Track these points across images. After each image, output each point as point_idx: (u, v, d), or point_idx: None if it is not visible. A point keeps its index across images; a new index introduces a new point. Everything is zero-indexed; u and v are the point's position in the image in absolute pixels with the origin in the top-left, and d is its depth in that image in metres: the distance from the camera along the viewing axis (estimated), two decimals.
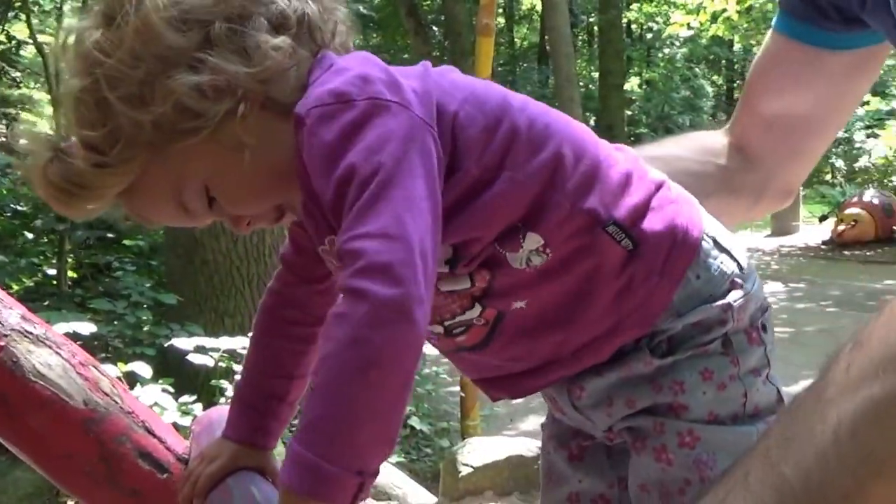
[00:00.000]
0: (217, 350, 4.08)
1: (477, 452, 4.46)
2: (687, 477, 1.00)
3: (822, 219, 15.58)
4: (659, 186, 1.07)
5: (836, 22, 1.02)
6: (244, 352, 4.26)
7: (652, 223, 1.02)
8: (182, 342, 4.18)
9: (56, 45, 0.99)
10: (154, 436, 1.09)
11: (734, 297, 1.03)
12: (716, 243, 1.06)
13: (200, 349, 4.11)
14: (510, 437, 5.04)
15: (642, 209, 1.03)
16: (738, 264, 1.06)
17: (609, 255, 1.00)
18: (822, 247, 14.85)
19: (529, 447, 4.52)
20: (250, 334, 1.16)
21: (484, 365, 1.10)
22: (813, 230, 16.05)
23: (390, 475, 4.59)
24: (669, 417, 1.02)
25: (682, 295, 1.02)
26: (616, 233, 1.00)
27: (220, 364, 4.12)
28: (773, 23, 1.10)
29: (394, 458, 5.12)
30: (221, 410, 1.22)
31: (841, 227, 13.91)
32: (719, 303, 1.02)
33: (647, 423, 1.04)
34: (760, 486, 0.57)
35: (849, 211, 13.84)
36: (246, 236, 5.02)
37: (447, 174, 0.94)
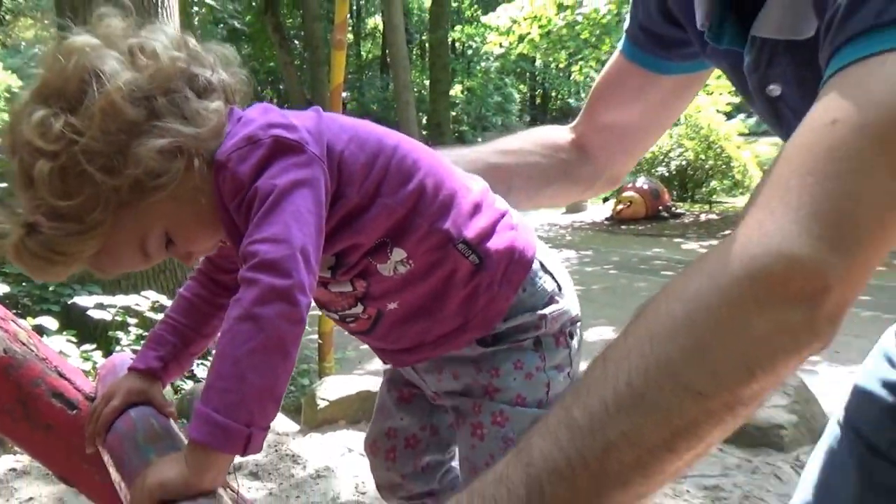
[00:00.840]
0: (114, 307, 4.06)
1: (332, 389, 4.46)
2: (493, 452, 1.05)
3: (605, 200, 16.14)
4: (503, 215, 1.10)
5: (674, 54, 1.03)
6: (138, 308, 4.15)
7: (495, 244, 1.06)
8: (83, 300, 4.14)
9: (7, 131, 0.92)
10: (65, 378, 1.05)
11: (550, 309, 1.08)
12: (542, 266, 1.10)
13: (99, 306, 4.11)
14: (359, 375, 5.07)
15: (488, 232, 1.06)
16: (558, 285, 1.11)
17: (459, 267, 1.05)
18: (605, 222, 15.36)
19: (375, 384, 4.54)
20: (182, 289, 1.18)
21: (371, 342, 1.15)
22: (598, 209, 16.61)
23: None
24: (485, 399, 1.07)
25: (512, 304, 1.06)
26: (465, 250, 1.04)
27: (117, 318, 4.06)
28: (619, 45, 1.10)
29: None
30: (123, 356, 1.19)
31: (619, 207, 14.46)
32: (538, 312, 1.07)
33: (466, 404, 1.09)
34: (556, 425, 0.57)
35: (625, 194, 14.41)
36: None
37: (333, 199, 0.96)
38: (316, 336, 5.74)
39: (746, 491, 3.28)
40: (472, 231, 1.05)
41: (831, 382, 5.28)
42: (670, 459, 0.56)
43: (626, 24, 1.08)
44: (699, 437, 0.56)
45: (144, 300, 4.14)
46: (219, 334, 0.86)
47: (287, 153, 0.91)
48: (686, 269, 0.61)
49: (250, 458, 3.97)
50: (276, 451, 4.06)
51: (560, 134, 1.19)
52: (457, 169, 1.10)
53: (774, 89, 0.77)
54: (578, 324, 1.14)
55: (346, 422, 4.35)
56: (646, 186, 14.50)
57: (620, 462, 0.55)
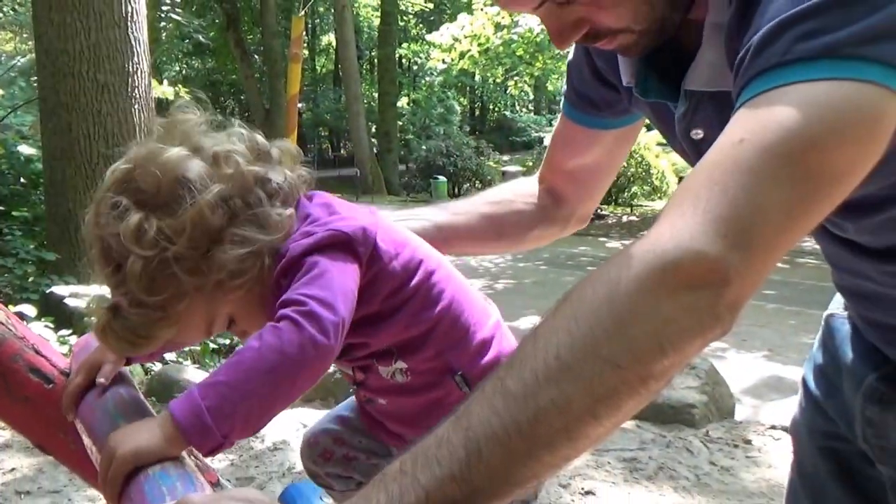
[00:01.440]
0: (88, 295, 3.97)
1: None
2: None
3: None
4: (499, 358, 1.05)
5: (607, 112, 1.06)
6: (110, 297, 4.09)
7: None
8: (61, 289, 4.10)
9: (93, 222, 0.91)
10: (41, 355, 1.02)
11: None
12: None
13: (76, 295, 4.06)
14: None
15: (488, 368, 1.02)
16: None
17: (451, 394, 1.02)
18: None
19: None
20: None
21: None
22: None
23: None
24: None
25: None
26: (460, 382, 1.02)
27: (91, 306, 3.97)
28: (562, 107, 1.14)
29: None
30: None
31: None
32: None
33: None
34: (492, 393, 0.59)
35: None
36: None
37: (360, 299, 0.93)
38: None
39: (661, 463, 3.35)
40: (472, 368, 1.03)
41: (738, 366, 5.44)
42: (593, 425, 0.59)
43: (563, 89, 1.12)
44: (618, 405, 0.59)
45: None
46: (249, 341, 0.84)
47: (338, 247, 0.91)
48: (609, 259, 0.64)
49: None
50: None
51: (533, 184, 1.23)
52: (477, 298, 1.08)
53: (698, 133, 0.82)
54: None
55: (300, 400, 4.30)
56: None
57: (549, 427, 0.57)
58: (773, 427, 3.75)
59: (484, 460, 0.57)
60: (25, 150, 5.90)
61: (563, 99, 1.12)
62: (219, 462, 3.42)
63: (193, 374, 4.41)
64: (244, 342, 0.86)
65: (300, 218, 0.97)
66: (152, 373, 4.36)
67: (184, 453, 0.79)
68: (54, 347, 1.12)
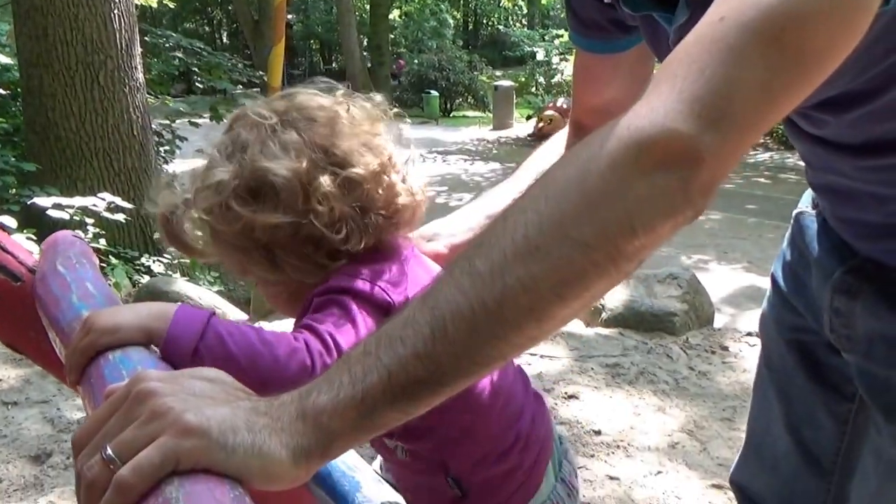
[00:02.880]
0: (72, 207, 3.90)
1: None
2: None
3: (529, 118, 16.15)
4: (514, 469, 0.95)
5: (616, 32, 1.01)
6: (95, 209, 4.01)
7: (486, 491, 0.94)
8: (42, 201, 4.02)
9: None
10: (8, 253, 0.99)
11: None
12: None
13: (57, 206, 3.96)
14: None
15: (487, 482, 0.94)
16: None
17: (443, 489, 0.95)
18: (528, 138, 15.27)
19: None
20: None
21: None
22: (523, 127, 16.59)
23: (213, 298, 4.47)
24: None
25: None
26: (452, 483, 0.94)
27: (75, 218, 3.92)
28: (573, 42, 1.08)
29: (215, 288, 4.99)
30: (66, 233, 1.13)
31: (541, 125, 14.43)
32: None
33: None
34: (459, 274, 0.58)
35: (546, 113, 14.40)
36: (90, 115, 4.61)
37: None
38: None
39: (642, 368, 3.41)
40: (469, 476, 0.94)
41: (719, 277, 5.51)
42: (560, 305, 0.57)
43: (569, 23, 1.06)
44: (586, 285, 0.57)
45: (101, 201, 4.01)
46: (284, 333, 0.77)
47: (379, 310, 0.81)
48: (584, 139, 0.61)
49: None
50: None
51: (566, 137, 1.19)
52: (507, 407, 0.95)
53: None
54: None
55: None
56: (565, 106, 14.44)
57: (516, 306, 0.56)
58: (749, 334, 3.80)
59: (449, 338, 0.56)
60: (2, 59, 5.71)
61: (571, 34, 1.07)
62: None
63: (182, 287, 4.41)
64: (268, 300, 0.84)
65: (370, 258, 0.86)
66: (140, 284, 4.36)
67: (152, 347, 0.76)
68: (36, 257, 1.08)
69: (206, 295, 4.48)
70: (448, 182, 10.50)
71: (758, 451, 1.17)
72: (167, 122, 6.26)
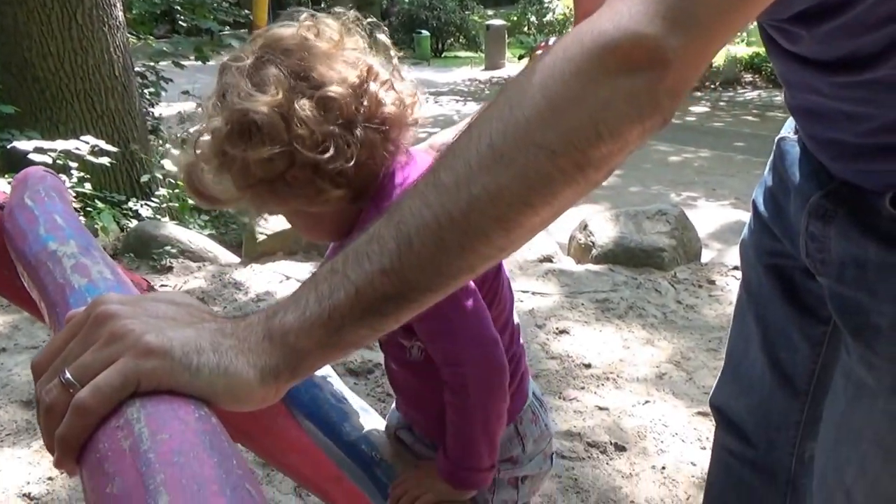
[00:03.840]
0: (54, 150, 3.79)
1: (270, 223, 4.37)
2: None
3: (521, 58, 15.88)
4: (514, 372, 0.99)
5: None
6: (78, 152, 3.93)
7: None
8: (23, 145, 3.87)
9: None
10: None
11: (506, 466, 1.03)
12: (516, 430, 1.03)
13: (39, 150, 3.83)
14: None
15: None
16: (523, 448, 1.04)
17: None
18: None
19: None
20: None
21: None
22: (515, 66, 16.33)
23: (205, 242, 4.44)
24: None
25: None
26: None
27: (58, 162, 3.83)
28: None
29: (206, 232, 4.95)
30: (38, 169, 1.10)
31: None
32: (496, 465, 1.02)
33: None
34: (425, 187, 0.57)
35: (539, 52, 14.02)
36: (69, 55, 4.47)
37: None
38: None
39: (631, 302, 3.42)
40: None
41: (707, 213, 5.51)
42: (527, 214, 0.56)
43: None
44: (554, 193, 0.56)
45: (84, 144, 3.92)
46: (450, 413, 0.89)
47: None
48: (548, 48, 0.60)
49: (195, 285, 3.94)
50: (220, 280, 4.02)
51: None
52: (503, 313, 1.00)
53: None
54: (535, 476, 1.10)
55: (283, 253, 4.30)
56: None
57: (482, 216, 0.55)
58: (735, 268, 3.81)
59: (415, 251, 0.54)
60: None
61: None
62: None
63: (172, 231, 4.37)
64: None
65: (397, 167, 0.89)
66: (128, 229, 4.31)
67: (118, 269, 0.75)
68: None
69: (196, 238, 4.45)
70: (440, 123, 10.20)
71: (736, 374, 1.19)
72: (151, 63, 6.10)
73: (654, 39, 0.53)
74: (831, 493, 0.96)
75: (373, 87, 0.84)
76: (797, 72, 0.84)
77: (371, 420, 1.10)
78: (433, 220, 0.55)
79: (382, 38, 0.89)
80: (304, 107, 0.80)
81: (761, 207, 1.10)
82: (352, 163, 0.81)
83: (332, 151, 0.80)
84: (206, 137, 0.83)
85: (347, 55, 0.85)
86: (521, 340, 1.04)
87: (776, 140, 1.08)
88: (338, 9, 0.89)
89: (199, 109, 0.87)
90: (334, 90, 0.81)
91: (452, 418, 0.87)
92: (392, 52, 0.89)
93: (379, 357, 3.14)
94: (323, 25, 0.86)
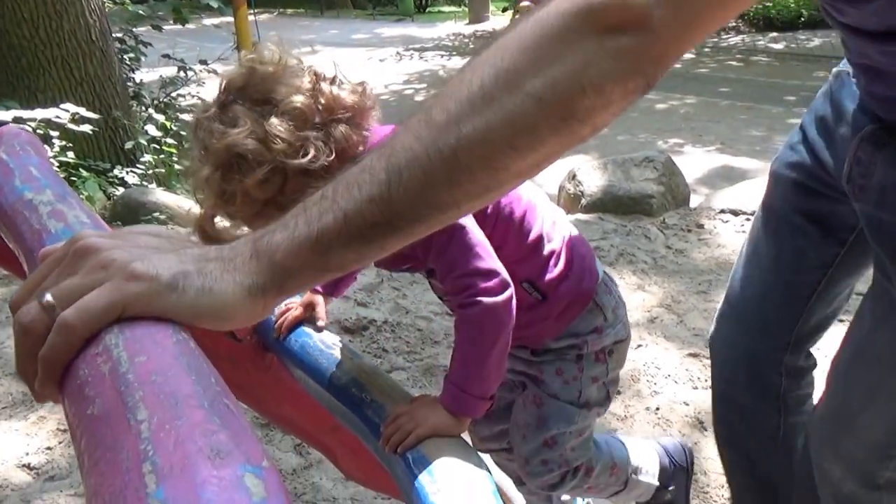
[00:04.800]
0: (34, 119, 3.72)
1: None
2: (528, 422, 1.17)
3: (505, 11, 15.72)
4: (576, 260, 1.11)
5: None
6: (59, 120, 3.86)
7: (560, 288, 1.09)
8: (1, 115, 3.71)
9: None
10: None
11: (593, 336, 1.13)
12: (595, 303, 1.13)
13: (18, 120, 3.71)
14: None
15: (556, 278, 1.09)
16: (605, 317, 1.14)
17: (522, 298, 1.05)
18: None
19: None
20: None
21: None
22: (499, 19, 16.15)
23: (194, 206, 4.41)
24: (531, 383, 1.18)
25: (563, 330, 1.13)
26: (529, 288, 1.08)
27: (38, 131, 3.75)
28: None
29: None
30: (13, 127, 1.08)
31: (517, 17, 14.03)
32: (582, 337, 1.13)
33: (518, 382, 1.21)
34: (417, 123, 0.59)
35: (523, 4, 13.82)
36: (44, 21, 4.36)
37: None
38: None
39: (621, 249, 3.43)
40: (540, 277, 1.08)
41: (693, 159, 5.51)
42: (513, 157, 0.58)
43: None
44: (539, 139, 0.58)
45: (64, 112, 3.85)
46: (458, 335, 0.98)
47: None
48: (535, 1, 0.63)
49: None
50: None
51: None
52: (547, 212, 1.11)
53: None
54: (623, 343, 1.20)
55: None
56: None
57: (470, 153, 0.57)
58: (723, 211, 3.83)
59: (404, 183, 0.57)
60: None
61: None
62: None
63: (161, 197, 4.33)
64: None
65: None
66: (115, 197, 4.27)
67: (96, 216, 0.74)
68: None
69: (186, 203, 4.42)
70: (426, 79, 10.27)
71: (736, 305, 1.27)
72: (128, 27, 5.98)
73: (640, 7, 0.55)
74: (836, 412, 1.04)
75: (324, 86, 0.92)
76: (851, 38, 0.87)
77: (361, 364, 1.11)
78: (423, 154, 0.57)
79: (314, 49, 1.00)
80: (273, 124, 0.87)
81: (810, 131, 1.15)
82: (333, 156, 0.89)
83: (312, 152, 0.88)
84: (199, 185, 0.90)
85: (291, 69, 0.93)
86: (570, 231, 1.14)
87: (835, 71, 1.12)
88: (267, 41, 0.98)
89: (190, 176, 0.94)
90: (294, 100, 0.89)
91: (463, 345, 0.94)
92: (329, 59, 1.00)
93: (373, 314, 3.16)
94: (262, 53, 0.94)
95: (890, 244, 0.92)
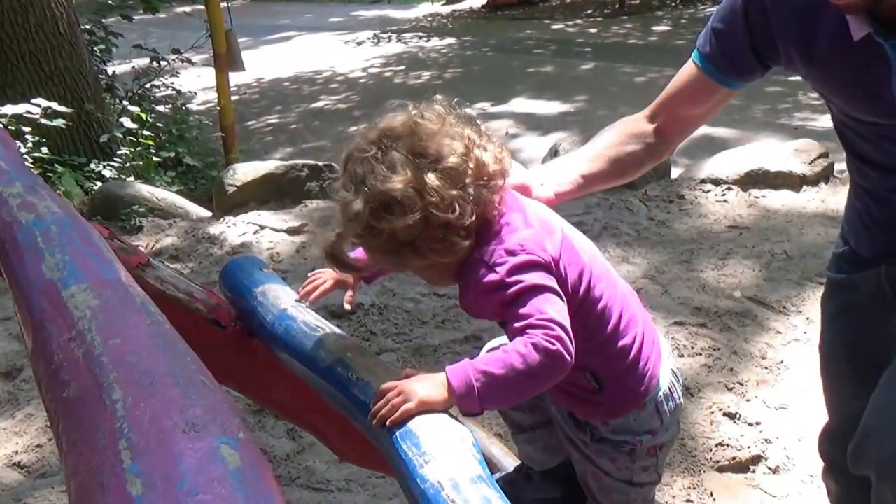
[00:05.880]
0: (5, 116, 3.66)
1: (239, 175, 4.31)
2: (593, 487, 1.24)
3: None
4: (643, 361, 1.14)
5: (741, 76, 1.25)
6: (30, 115, 3.79)
7: (619, 382, 1.13)
8: None
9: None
10: None
11: (647, 438, 1.16)
12: (655, 407, 1.16)
13: None
14: (263, 161, 4.88)
15: (620, 373, 1.12)
16: (662, 421, 1.17)
17: (582, 383, 1.12)
18: (483, 10, 14.93)
19: (278, 166, 4.42)
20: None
21: None
22: None
23: (174, 198, 4.38)
24: (589, 463, 1.22)
25: (618, 423, 1.15)
26: (590, 377, 1.11)
27: (10, 127, 3.69)
28: (693, 58, 1.28)
29: (174, 188, 4.88)
30: None
31: None
32: (637, 438, 1.16)
33: (574, 449, 1.23)
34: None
35: None
36: (8, 15, 4.28)
37: None
38: (220, 133, 5.54)
39: (605, 223, 3.45)
40: (605, 370, 1.12)
41: None
42: None
43: (703, 45, 1.26)
44: None
45: (36, 107, 3.80)
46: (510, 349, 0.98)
47: (538, 267, 1.01)
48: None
49: (168, 242, 3.91)
50: (193, 235, 3.99)
51: (639, 124, 1.36)
52: (629, 303, 1.15)
53: None
54: (672, 441, 1.24)
55: (255, 203, 4.25)
56: None
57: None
58: (704, 181, 3.85)
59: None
60: None
61: (701, 58, 1.26)
62: (180, 268, 3.43)
63: (139, 189, 4.29)
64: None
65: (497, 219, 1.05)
66: (92, 191, 4.22)
67: (69, 205, 0.74)
68: None
69: (165, 195, 4.39)
70: (405, 61, 10.20)
71: (840, 427, 1.39)
72: (96, 17, 5.89)
73: None
74: None
75: (476, 152, 1.01)
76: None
77: (346, 344, 1.11)
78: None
79: (468, 111, 1.08)
80: (431, 179, 0.97)
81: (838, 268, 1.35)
82: (473, 217, 0.99)
83: (459, 210, 0.97)
84: (351, 217, 0.99)
85: (450, 130, 1.02)
86: (643, 328, 1.16)
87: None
88: (435, 97, 1.08)
89: (334, 201, 1.04)
90: (451, 161, 0.99)
91: (509, 353, 0.97)
92: (478, 122, 1.07)
93: (361, 297, 3.16)
94: (427, 111, 1.04)
95: None
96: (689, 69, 1.30)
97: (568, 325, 0.97)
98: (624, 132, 1.36)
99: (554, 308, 0.97)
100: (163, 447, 0.32)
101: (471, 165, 1.00)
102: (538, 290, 0.98)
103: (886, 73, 1.06)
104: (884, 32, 1.04)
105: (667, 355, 1.20)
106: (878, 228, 1.26)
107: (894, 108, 1.08)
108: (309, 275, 1.29)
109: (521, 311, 0.97)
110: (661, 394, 1.16)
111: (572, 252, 1.07)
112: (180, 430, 0.33)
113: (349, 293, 1.28)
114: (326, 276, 1.27)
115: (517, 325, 0.97)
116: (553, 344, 0.94)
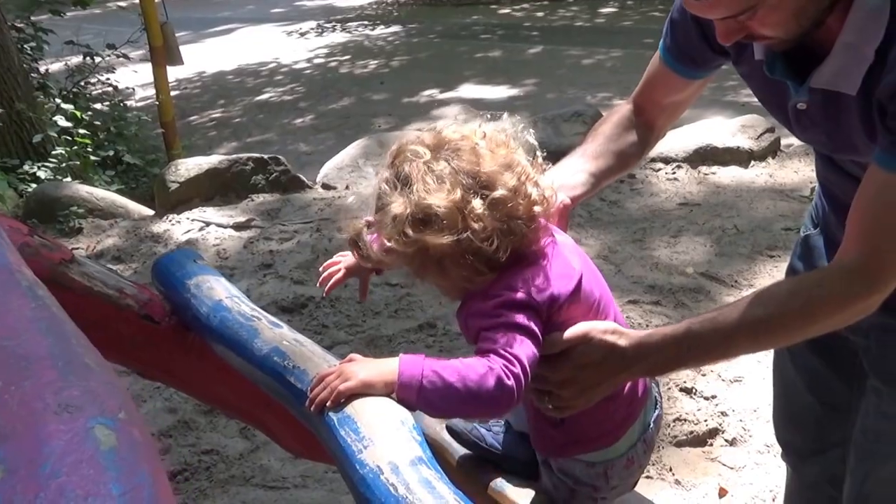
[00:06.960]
0: None
1: (181, 171, 4.22)
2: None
3: None
4: (610, 415, 1.11)
5: (703, 67, 1.27)
6: None
7: (577, 427, 1.10)
8: None
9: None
10: None
11: (586, 490, 1.15)
12: (605, 470, 1.13)
13: None
14: (207, 156, 4.78)
15: (578, 416, 1.07)
16: (607, 482, 1.14)
17: (545, 414, 1.09)
18: None
19: (222, 160, 4.33)
20: None
21: None
22: None
23: (114, 198, 4.27)
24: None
25: (564, 463, 1.14)
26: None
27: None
28: (658, 49, 1.29)
29: (114, 188, 4.76)
30: None
31: None
32: (579, 485, 1.14)
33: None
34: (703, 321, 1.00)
35: None
36: None
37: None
38: (160, 129, 5.42)
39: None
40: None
41: None
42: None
43: (664, 36, 1.28)
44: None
45: None
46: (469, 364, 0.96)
47: (531, 310, 1.00)
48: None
49: (110, 243, 3.81)
50: (136, 235, 3.90)
51: (627, 115, 1.37)
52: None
53: (802, 105, 1.06)
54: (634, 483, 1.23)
55: (199, 199, 4.16)
56: None
57: (738, 347, 1.02)
58: (654, 160, 3.89)
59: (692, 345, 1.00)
60: None
61: (663, 49, 1.29)
62: (123, 272, 3.35)
63: (77, 189, 4.17)
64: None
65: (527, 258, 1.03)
66: (27, 193, 4.09)
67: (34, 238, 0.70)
68: None
69: (104, 195, 4.28)
70: (350, 50, 10.11)
71: (785, 410, 1.51)
72: (24, 14, 5.70)
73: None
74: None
75: (528, 188, 0.98)
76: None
77: (282, 333, 1.08)
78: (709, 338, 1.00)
79: (531, 139, 1.04)
80: (478, 206, 0.95)
81: None
82: (508, 252, 0.97)
83: (495, 244, 0.95)
84: (388, 218, 0.96)
85: (508, 157, 0.99)
86: (632, 392, 1.13)
87: (802, 237, 1.36)
88: (503, 117, 1.05)
89: (373, 188, 1.01)
90: (501, 193, 0.96)
91: (463, 365, 0.95)
92: (537, 153, 1.03)
93: (311, 291, 3.12)
94: (491, 130, 1.01)
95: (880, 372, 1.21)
96: (656, 60, 1.33)
97: (529, 371, 0.95)
98: (619, 124, 1.37)
99: (524, 350, 0.95)
100: (30, 430, 0.30)
101: (520, 201, 0.98)
102: (517, 328, 0.97)
103: (789, 94, 1.10)
104: (771, 65, 1.08)
105: (651, 406, 1.17)
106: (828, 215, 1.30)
107: (792, 129, 1.13)
108: (321, 268, 1.26)
109: (493, 338, 0.96)
110: (615, 458, 1.13)
111: (581, 296, 1.05)
112: (51, 412, 0.31)
113: (362, 286, 1.27)
114: (340, 264, 1.24)
115: (484, 347, 0.96)
116: (509, 378, 0.92)
